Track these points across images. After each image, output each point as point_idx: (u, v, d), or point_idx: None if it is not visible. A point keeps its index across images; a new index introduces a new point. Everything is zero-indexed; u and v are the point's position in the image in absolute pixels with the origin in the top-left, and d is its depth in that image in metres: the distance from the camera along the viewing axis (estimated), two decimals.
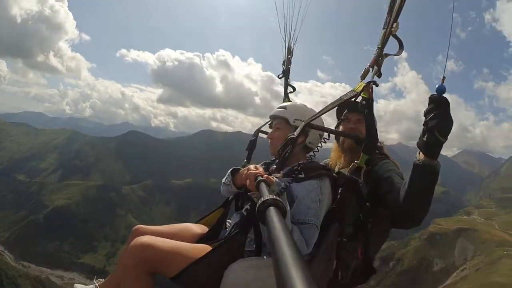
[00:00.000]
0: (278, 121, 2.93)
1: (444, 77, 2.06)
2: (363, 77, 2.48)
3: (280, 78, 3.84)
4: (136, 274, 2.25)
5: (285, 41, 3.68)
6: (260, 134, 3.57)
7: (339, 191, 2.60)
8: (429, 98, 2.10)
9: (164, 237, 2.49)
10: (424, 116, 2.12)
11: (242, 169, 2.84)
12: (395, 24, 2.25)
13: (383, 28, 2.32)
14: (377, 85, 2.41)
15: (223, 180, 2.99)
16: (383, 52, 2.36)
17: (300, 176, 2.58)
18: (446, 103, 2.05)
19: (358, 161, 2.50)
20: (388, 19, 2.30)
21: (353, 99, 2.55)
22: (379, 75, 2.38)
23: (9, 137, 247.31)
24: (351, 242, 2.73)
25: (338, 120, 3.29)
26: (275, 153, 2.85)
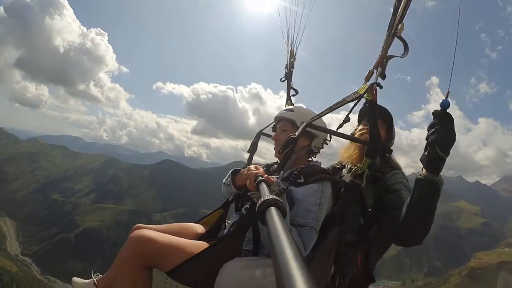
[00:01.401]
0: (284, 123, 2.84)
1: (448, 92, 2.05)
2: (367, 79, 2.42)
3: (282, 81, 3.84)
4: (133, 267, 2.23)
5: (287, 45, 3.76)
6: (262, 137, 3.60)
7: (340, 195, 2.53)
8: (432, 113, 2.11)
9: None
10: (427, 130, 2.14)
11: (244, 166, 2.83)
12: (400, 25, 2.19)
13: (388, 30, 2.25)
14: (381, 87, 2.32)
15: (224, 180, 2.97)
16: (388, 54, 2.29)
17: (299, 181, 2.55)
18: (449, 117, 2.05)
19: (361, 165, 2.47)
20: (393, 20, 2.22)
21: (356, 101, 2.47)
22: (383, 77, 2.30)
23: (47, 157, 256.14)
24: (351, 249, 2.65)
25: (358, 125, 3.30)
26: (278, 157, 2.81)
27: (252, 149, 3.37)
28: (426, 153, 2.10)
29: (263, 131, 3.37)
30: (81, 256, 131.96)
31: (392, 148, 3.06)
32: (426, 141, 2.10)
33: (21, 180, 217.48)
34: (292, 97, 3.85)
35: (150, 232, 2.30)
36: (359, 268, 2.67)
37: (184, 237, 2.58)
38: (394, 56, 2.29)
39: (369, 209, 2.58)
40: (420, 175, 2.16)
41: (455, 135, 2.06)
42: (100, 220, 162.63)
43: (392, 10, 2.22)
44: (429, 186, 2.12)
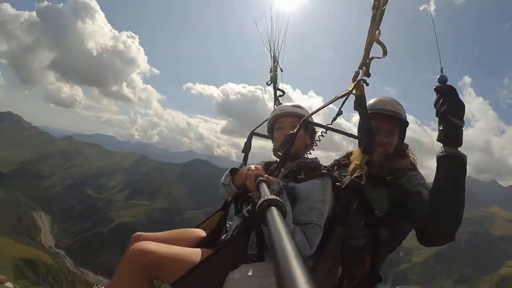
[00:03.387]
0: (294, 119, 2.81)
1: (442, 68, 2.10)
2: (354, 79, 2.56)
3: (268, 85, 4.09)
4: (134, 280, 2.14)
5: (270, 51, 4.06)
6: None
7: (342, 194, 2.54)
8: (434, 89, 2.13)
9: (163, 243, 2.39)
10: (434, 107, 2.13)
11: (242, 169, 2.80)
12: (377, 31, 2.39)
13: (367, 36, 2.45)
14: (367, 84, 2.43)
15: (222, 180, 2.89)
16: (369, 56, 2.49)
17: (299, 177, 2.56)
18: (452, 88, 2.07)
19: (359, 163, 2.47)
20: (371, 27, 2.43)
21: (345, 97, 2.55)
22: (368, 75, 2.45)
23: (81, 155, 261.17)
24: (360, 252, 2.64)
25: None
26: (294, 154, 2.74)
27: (247, 149, 3.42)
28: (441, 128, 2.08)
29: (255, 131, 3.43)
30: (114, 250, 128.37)
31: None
32: (437, 117, 2.10)
33: (56, 176, 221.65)
34: (279, 98, 4.14)
35: (150, 244, 2.20)
36: (367, 271, 2.59)
37: (185, 243, 2.54)
38: (374, 57, 2.47)
39: (376, 213, 2.48)
40: (441, 152, 2.09)
41: (464, 103, 2.05)
42: (133, 216, 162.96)
43: (370, 18, 2.44)
44: (454, 161, 2.05)
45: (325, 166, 2.69)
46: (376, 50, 2.49)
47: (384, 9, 2.34)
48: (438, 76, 2.11)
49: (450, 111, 2.02)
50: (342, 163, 3.10)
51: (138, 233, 2.77)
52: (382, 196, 2.61)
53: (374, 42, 2.42)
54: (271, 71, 4.05)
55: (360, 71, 2.49)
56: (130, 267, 2.11)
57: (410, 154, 2.88)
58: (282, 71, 4.05)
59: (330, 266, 2.37)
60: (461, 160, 2.05)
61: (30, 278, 78.36)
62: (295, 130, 2.57)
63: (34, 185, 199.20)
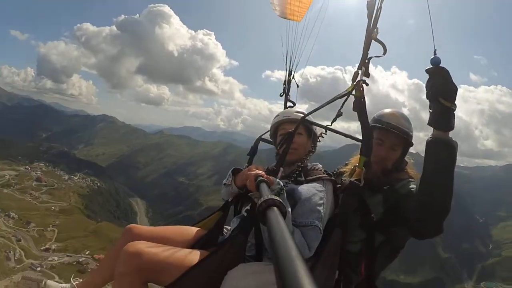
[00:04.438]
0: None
1: (435, 50, 2.03)
2: (353, 79, 2.50)
3: (281, 96, 4.22)
4: (129, 283, 2.12)
5: (286, 64, 4.15)
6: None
7: (341, 197, 2.59)
8: (426, 70, 2.07)
9: (158, 240, 2.43)
10: (425, 89, 2.09)
11: (243, 169, 2.84)
12: (375, 29, 2.34)
13: (365, 34, 2.41)
14: (367, 84, 2.42)
15: (224, 181, 2.92)
16: (368, 56, 2.44)
17: (300, 179, 2.60)
18: (444, 70, 2.01)
19: (358, 165, 2.47)
20: (368, 26, 2.38)
21: (345, 98, 2.55)
22: (368, 75, 2.43)
23: (173, 146, 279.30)
24: (355, 256, 2.68)
25: None
26: (296, 160, 2.76)
27: (252, 153, 3.42)
28: (431, 110, 2.05)
29: (262, 137, 3.45)
30: None
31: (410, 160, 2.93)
32: (428, 99, 2.06)
33: (151, 166, 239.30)
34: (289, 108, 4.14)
35: (144, 245, 2.18)
36: (362, 277, 2.64)
37: (180, 242, 2.55)
38: (373, 57, 2.43)
39: (372, 216, 2.54)
40: (431, 136, 2.08)
41: (456, 85, 2.01)
42: (221, 200, 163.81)
43: (367, 18, 2.37)
44: (442, 147, 2.03)
45: (325, 171, 2.73)
46: (375, 48, 2.43)
47: (380, 7, 2.30)
48: (431, 58, 2.04)
49: (440, 92, 1.98)
50: (339, 172, 3.05)
51: (132, 225, 2.74)
52: (378, 201, 2.63)
53: (373, 40, 2.37)
54: (284, 83, 4.17)
55: (360, 71, 2.44)
56: (124, 269, 2.10)
57: (409, 170, 2.81)
58: (298, 86, 4.19)
59: (328, 269, 2.39)
60: (450, 147, 2.02)
61: None
62: (292, 129, 2.58)
63: (131, 175, 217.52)
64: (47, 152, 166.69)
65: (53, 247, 75.78)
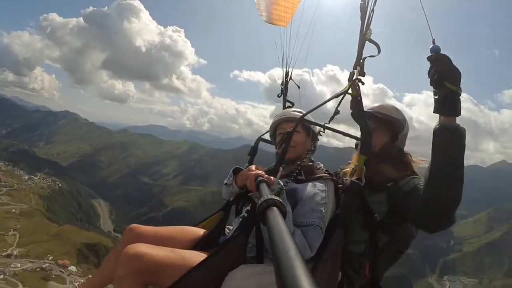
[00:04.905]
0: (293, 124, 2.84)
1: (434, 39, 2.04)
2: (349, 79, 2.55)
3: (279, 97, 4.30)
4: (130, 285, 2.09)
5: (283, 67, 4.24)
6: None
7: (342, 196, 2.55)
8: (427, 58, 2.07)
9: (160, 240, 2.41)
10: (428, 76, 2.08)
11: (244, 169, 2.84)
12: (368, 30, 2.41)
13: (359, 35, 2.47)
14: (363, 83, 2.45)
15: (225, 181, 2.89)
16: (362, 56, 2.50)
17: (300, 177, 2.60)
18: (446, 57, 2.01)
19: (358, 164, 2.50)
20: (362, 26, 2.45)
21: (342, 97, 2.61)
22: (363, 75, 2.47)
23: (137, 145, 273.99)
24: (359, 258, 2.64)
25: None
26: (296, 159, 2.78)
27: (252, 153, 3.41)
28: (436, 96, 2.01)
29: (262, 137, 3.44)
30: None
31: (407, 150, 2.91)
32: (431, 85, 2.04)
33: (114, 166, 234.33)
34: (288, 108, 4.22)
35: (145, 247, 2.15)
36: (366, 278, 2.60)
37: (182, 242, 2.55)
38: (368, 56, 2.48)
39: (376, 215, 2.52)
40: (438, 124, 2.03)
41: (459, 70, 1.99)
42: (186, 201, 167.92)
43: (360, 18, 2.44)
44: (451, 133, 1.98)
45: (327, 171, 2.69)
46: (369, 49, 2.49)
47: (373, 9, 2.37)
48: (430, 47, 2.05)
49: (445, 76, 1.95)
50: (341, 172, 3.00)
51: (133, 225, 2.73)
52: (381, 199, 2.58)
53: (366, 41, 2.43)
54: (282, 84, 4.27)
55: (355, 71, 2.49)
56: (124, 272, 2.06)
57: (412, 163, 2.74)
58: (299, 87, 4.28)
59: (330, 270, 2.33)
60: (459, 133, 1.97)
61: (92, 261, 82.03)
62: (291, 128, 2.61)
63: (93, 175, 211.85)
64: (6, 150, 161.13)
65: (15, 252, 73.62)
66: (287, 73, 4.25)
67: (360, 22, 2.40)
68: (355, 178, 2.51)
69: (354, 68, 2.51)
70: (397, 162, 2.74)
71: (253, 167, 2.45)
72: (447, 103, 1.98)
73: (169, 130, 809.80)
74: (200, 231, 2.82)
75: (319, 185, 2.46)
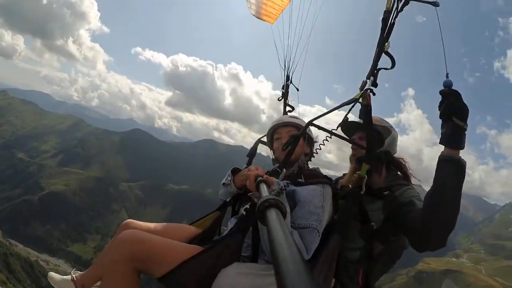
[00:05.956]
0: (290, 128, 2.96)
1: (447, 73, 2.10)
2: (361, 88, 2.59)
3: (279, 100, 4.29)
4: (122, 270, 2.07)
5: (284, 70, 4.22)
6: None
7: (341, 203, 2.58)
8: (440, 92, 2.12)
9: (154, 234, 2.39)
10: (438, 109, 2.14)
11: (243, 169, 2.87)
12: (386, 43, 2.42)
13: (377, 47, 2.48)
14: (374, 94, 2.49)
15: (223, 180, 2.93)
16: (377, 67, 2.52)
17: (299, 180, 2.60)
18: (457, 93, 2.06)
19: (360, 172, 2.54)
20: (381, 38, 2.46)
21: (352, 105, 2.65)
22: (375, 85, 2.50)
23: (15, 113, 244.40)
24: (353, 265, 2.71)
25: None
26: (294, 161, 2.83)
27: (251, 154, 3.51)
28: (444, 130, 2.10)
29: (261, 139, 3.51)
30: (45, 220, 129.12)
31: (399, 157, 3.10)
32: (441, 119, 2.12)
33: None
34: (288, 113, 4.21)
35: (141, 233, 2.18)
36: (359, 285, 2.68)
37: (177, 238, 2.50)
38: (382, 68, 2.50)
39: (372, 224, 2.55)
40: (443, 155, 2.11)
41: (468, 107, 2.07)
42: (65, 185, 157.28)
43: (380, 30, 2.45)
44: (452, 165, 2.07)
45: (325, 176, 2.72)
46: (384, 61, 2.48)
47: (394, 22, 2.38)
48: (443, 81, 2.12)
49: (454, 112, 2.03)
50: (340, 179, 3.14)
51: (129, 220, 2.77)
52: (378, 207, 2.66)
53: (383, 53, 2.45)
54: (283, 88, 4.23)
55: (368, 80, 2.53)
56: (118, 256, 2.05)
57: (407, 170, 2.94)
58: (298, 90, 4.20)
59: (325, 273, 2.35)
60: (460, 165, 2.06)
61: None
62: (300, 131, 2.72)
63: None
64: None
65: None
66: (288, 77, 4.22)
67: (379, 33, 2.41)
68: (354, 185, 2.54)
69: (368, 77, 2.54)
70: (387, 165, 2.91)
71: (252, 167, 2.41)
72: (453, 137, 2.06)
73: (53, 100, 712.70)
74: (194, 230, 2.88)
75: (317, 189, 2.46)
